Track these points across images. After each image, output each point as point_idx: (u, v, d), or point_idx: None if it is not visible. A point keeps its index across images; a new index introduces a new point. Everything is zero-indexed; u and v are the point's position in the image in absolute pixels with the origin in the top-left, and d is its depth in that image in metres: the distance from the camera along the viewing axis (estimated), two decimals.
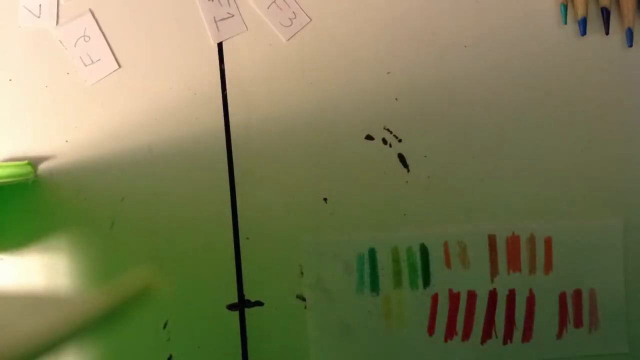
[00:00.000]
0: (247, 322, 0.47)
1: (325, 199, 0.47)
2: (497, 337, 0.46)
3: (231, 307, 0.47)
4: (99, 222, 0.47)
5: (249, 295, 0.47)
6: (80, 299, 0.24)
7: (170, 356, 0.47)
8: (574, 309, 0.45)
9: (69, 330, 0.21)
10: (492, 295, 0.46)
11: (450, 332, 0.46)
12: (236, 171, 0.47)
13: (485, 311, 0.46)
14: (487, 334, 0.46)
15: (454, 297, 0.46)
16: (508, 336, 0.46)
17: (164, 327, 0.47)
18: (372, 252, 0.46)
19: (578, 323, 0.45)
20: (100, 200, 0.47)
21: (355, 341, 0.46)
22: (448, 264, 0.46)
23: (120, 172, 0.47)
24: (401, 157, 0.47)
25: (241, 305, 0.47)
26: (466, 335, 0.46)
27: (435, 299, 0.46)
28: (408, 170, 0.47)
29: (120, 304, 0.23)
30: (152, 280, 0.25)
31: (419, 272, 0.46)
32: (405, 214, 0.47)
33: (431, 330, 0.46)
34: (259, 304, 0.47)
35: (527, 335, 0.46)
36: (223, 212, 0.47)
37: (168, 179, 0.47)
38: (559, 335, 0.45)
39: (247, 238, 0.47)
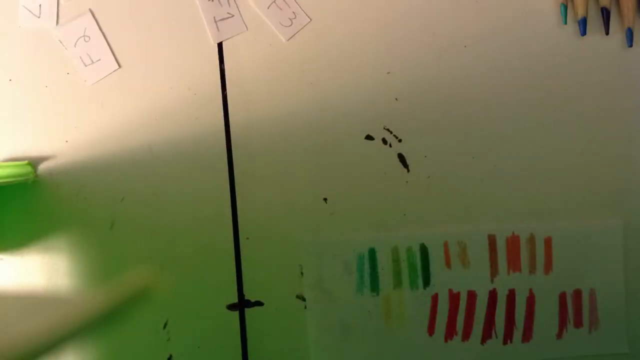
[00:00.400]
0: (247, 322, 0.47)
1: (325, 199, 0.47)
2: (497, 337, 0.46)
3: (231, 307, 0.47)
4: (99, 222, 0.47)
5: (249, 295, 0.47)
6: (80, 299, 0.24)
7: (170, 356, 0.47)
8: (574, 309, 0.45)
9: (69, 330, 0.21)
10: (492, 295, 0.46)
11: (450, 332, 0.46)
12: (236, 171, 0.47)
13: (485, 311, 0.46)
14: (487, 334, 0.46)
15: (454, 297, 0.46)
16: (508, 336, 0.46)
17: (164, 327, 0.47)
18: (372, 252, 0.46)
19: (578, 323, 0.45)
20: (100, 200, 0.47)
21: (355, 341, 0.46)
22: (448, 264, 0.46)
23: (120, 172, 0.47)
24: (401, 157, 0.47)
25: (241, 305, 0.47)
26: (466, 336, 0.46)
27: (435, 299, 0.46)
28: (408, 170, 0.47)
29: (120, 304, 0.23)
30: (152, 280, 0.25)
31: (419, 272, 0.46)
32: (405, 214, 0.47)
33: (431, 330, 0.46)
34: (259, 304, 0.47)
35: (527, 335, 0.46)
36: (223, 212, 0.47)
37: (168, 179, 0.47)
38: (559, 335, 0.45)
39: (247, 238, 0.47)
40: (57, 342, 0.20)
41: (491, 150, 0.47)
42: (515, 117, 0.46)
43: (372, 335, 0.46)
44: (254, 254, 0.47)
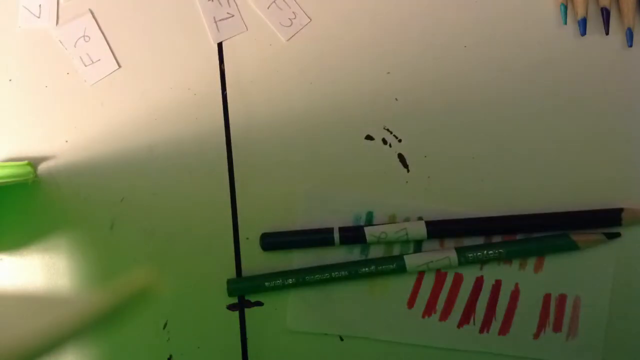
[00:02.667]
0: (247, 322, 0.47)
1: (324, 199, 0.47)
2: (474, 324, 0.46)
3: (231, 307, 0.47)
4: (99, 222, 0.47)
5: (249, 296, 0.47)
6: (80, 299, 0.24)
7: (170, 356, 0.47)
8: (555, 313, 0.45)
9: (69, 330, 0.21)
10: (478, 282, 0.46)
11: (429, 309, 0.46)
12: (236, 171, 0.47)
13: (468, 296, 0.46)
14: (465, 319, 0.46)
15: (440, 276, 0.46)
16: (486, 326, 0.46)
17: (164, 327, 0.47)
18: (370, 216, 0.46)
19: (557, 327, 0.45)
20: (100, 200, 0.47)
21: (334, 300, 0.46)
22: (442, 243, 0.46)
23: (120, 172, 0.47)
24: (401, 157, 0.47)
25: (241, 305, 0.47)
26: (444, 316, 0.46)
27: (421, 273, 0.46)
28: (408, 171, 0.47)
29: (120, 304, 0.23)
30: (152, 280, 0.25)
31: (412, 244, 0.46)
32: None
33: (411, 303, 0.46)
34: (258, 304, 0.47)
35: (504, 329, 0.45)
36: (223, 212, 0.47)
37: (168, 179, 0.47)
38: (536, 336, 0.45)
39: (247, 238, 0.47)
40: (57, 342, 0.20)
41: (491, 151, 0.47)
42: (515, 117, 0.46)
43: (352, 297, 0.46)
44: (254, 254, 0.47)
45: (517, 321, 0.46)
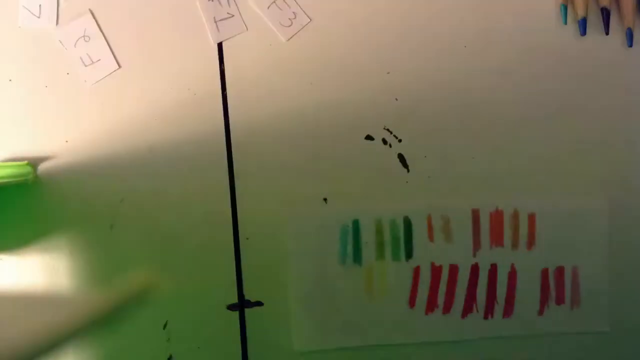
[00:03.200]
0: (247, 322, 0.47)
1: (325, 199, 0.47)
2: (477, 312, 0.46)
3: (231, 307, 0.47)
4: (99, 223, 0.47)
5: (249, 295, 0.47)
6: (80, 299, 0.24)
7: (170, 356, 0.47)
8: (556, 286, 0.45)
9: (69, 330, 0.21)
10: (474, 270, 0.46)
11: (431, 305, 0.46)
12: (236, 171, 0.47)
13: (466, 285, 0.46)
14: (468, 308, 0.46)
15: (436, 270, 0.46)
16: (489, 311, 0.46)
17: (164, 327, 0.47)
18: (356, 224, 0.46)
19: (560, 300, 0.45)
20: (100, 201, 0.47)
21: (336, 311, 0.46)
22: (431, 237, 0.46)
23: (120, 172, 0.47)
24: (401, 157, 0.47)
25: (241, 305, 0.47)
26: (447, 309, 0.46)
27: (417, 271, 0.46)
28: (408, 171, 0.47)
29: (121, 305, 0.23)
30: (152, 281, 0.25)
31: (402, 245, 0.46)
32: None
33: (412, 302, 0.46)
34: (259, 304, 0.47)
35: (507, 311, 0.46)
36: (223, 212, 0.47)
37: (168, 179, 0.47)
38: (541, 312, 0.45)
39: (247, 238, 0.47)
40: (57, 342, 0.20)
41: (491, 150, 0.47)
42: (515, 116, 0.46)
43: (354, 306, 0.46)
44: (254, 254, 0.47)
45: (519, 301, 0.46)
